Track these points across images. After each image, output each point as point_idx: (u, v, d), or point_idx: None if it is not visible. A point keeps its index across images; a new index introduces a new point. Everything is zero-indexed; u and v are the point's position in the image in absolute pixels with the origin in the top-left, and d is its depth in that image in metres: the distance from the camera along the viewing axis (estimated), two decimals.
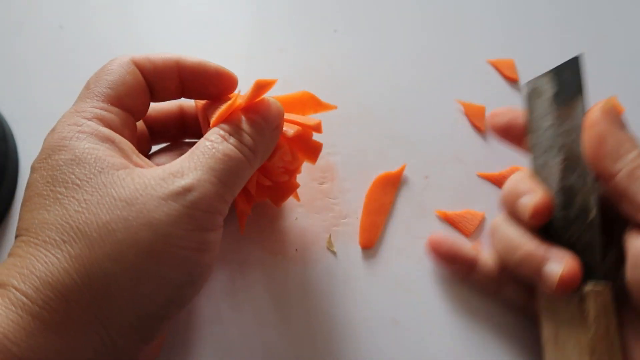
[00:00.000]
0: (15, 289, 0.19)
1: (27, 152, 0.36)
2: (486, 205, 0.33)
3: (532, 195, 0.25)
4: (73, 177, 0.21)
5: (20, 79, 0.38)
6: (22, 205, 0.21)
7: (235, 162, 0.22)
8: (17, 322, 0.18)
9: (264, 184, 0.28)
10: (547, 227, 0.26)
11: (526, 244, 0.25)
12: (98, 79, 0.23)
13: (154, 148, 0.31)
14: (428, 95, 0.37)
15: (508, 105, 0.30)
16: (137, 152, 0.23)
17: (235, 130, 0.23)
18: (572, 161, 0.25)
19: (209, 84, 0.25)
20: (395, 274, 0.32)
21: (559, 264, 0.24)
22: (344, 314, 0.30)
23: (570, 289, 0.24)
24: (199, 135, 0.28)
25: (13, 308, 0.18)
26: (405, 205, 0.34)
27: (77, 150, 0.21)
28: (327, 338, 0.30)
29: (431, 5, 0.41)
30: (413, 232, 0.33)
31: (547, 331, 0.26)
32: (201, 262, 0.21)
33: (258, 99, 0.24)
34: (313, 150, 0.28)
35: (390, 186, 0.34)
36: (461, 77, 0.38)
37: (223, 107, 0.23)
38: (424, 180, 0.35)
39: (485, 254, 0.29)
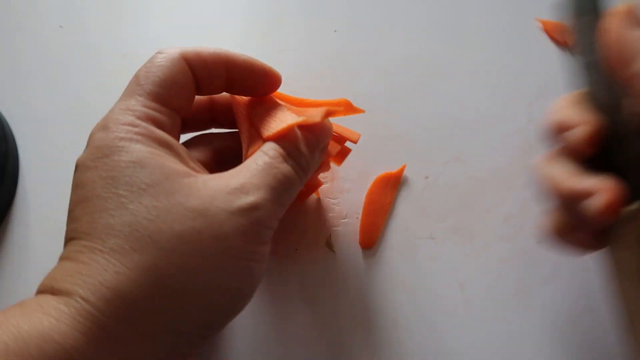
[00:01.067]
0: (84, 299, 0.18)
1: (27, 152, 0.36)
2: (489, 204, 0.33)
3: (583, 125, 0.23)
4: (138, 180, 0.20)
5: (20, 79, 0.38)
6: (76, 205, 0.21)
7: (291, 183, 0.23)
8: (85, 334, 0.18)
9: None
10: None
11: (566, 181, 0.23)
12: (148, 73, 0.23)
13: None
14: (428, 95, 0.37)
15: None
16: (191, 156, 0.23)
17: (294, 151, 0.23)
18: (610, 76, 0.22)
19: (255, 82, 0.25)
20: (395, 274, 0.32)
21: (599, 195, 0.22)
22: (343, 314, 0.30)
23: (613, 217, 0.22)
24: (227, 126, 0.29)
25: (81, 319, 0.18)
26: (405, 205, 0.34)
27: (138, 153, 0.21)
28: (327, 337, 0.30)
29: (431, 5, 0.41)
30: (413, 232, 0.33)
31: (611, 263, 0.24)
32: (259, 273, 0.22)
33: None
34: (342, 155, 0.30)
35: (390, 186, 0.34)
36: (460, 78, 0.38)
37: (284, 124, 0.23)
38: (424, 180, 0.35)
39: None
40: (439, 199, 0.34)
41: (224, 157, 0.28)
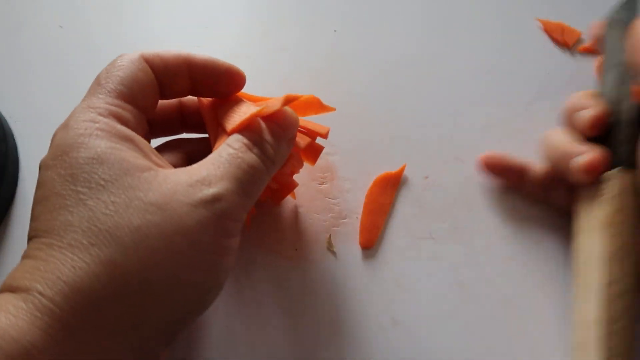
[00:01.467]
0: (41, 294, 0.18)
1: (27, 152, 0.36)
2: (484, 203, 0.33)
3: (591, 109, 0.27)
4: (96, 176, 0.20)
5: (20, 79, 0.38)
6: (36, 204, 0.20)
7: (258, 172, 0.22)
8: (44, 330, 0.17)
9: (272, 187, 0.29)
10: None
11: (565, 142, 0.28)
12: (109, 74, 0.23)
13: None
14: (428, 95, 0.37)
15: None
16: (155, 151, 0.23)
17: (258, 140, 0.23)
18: (625, 73, 0.28)
19: (219, 82, 0.25)
20: (395, 274, 0.31)
21: (585, 155, 0.27)
22: (343, 314, 0.30)
23: (593, 176, 0.27)
24: (198, 130, 0.29)
25: (39, 315, 0.18)
26: (405, 205, 0.33)
27: (98, 149, 0.20)
28: (327, 337, 0.30)
29: (431, 6, 0.41)
30: (413, 232, 0.33)
31: (578, 221, 0.28)
32: (225, 267, 0.21)
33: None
34: (314, 153, 0.29)
35: (390, 186, 0.34)
36: (460, 78, 0.38)
37: (246, 115, 0.23)
38: (424, 180, 0.34)
39: (534, 163, 0.31)
40: (439, 199, 0.34)
41: (196, 159, 0.27)
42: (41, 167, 0.21)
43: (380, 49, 0.39)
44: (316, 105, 0.28)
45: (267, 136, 0.23)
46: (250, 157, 0.22)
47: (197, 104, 0.28)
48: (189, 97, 0.27)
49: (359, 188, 0.33)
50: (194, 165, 0.22)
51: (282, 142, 0.24)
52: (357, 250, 0.32)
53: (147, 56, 0.24)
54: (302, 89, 0.37)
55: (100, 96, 0.22)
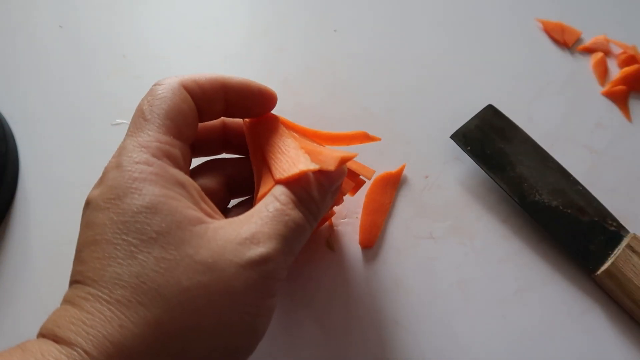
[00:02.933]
0: (86, 352, 0.17)
1: (27, 152, 0.35)
2: (484, 203, 0.33)
3: None
4: (149, 228, 0.19)
5: (20, 79, 0.38)
6: (85, 246, 0.20)
7: (303, 230, 0.22)
8: None
9: None
10: None
11: None
12: (153, 106, 0.22)
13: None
14: (428, 95, 0.37)
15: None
16: (204, 196, 0.22)
17: (305, 197, 0.22)
18: None
19: (252, 104, 0.25)
20: (395, 274, 0.31)
21: None
22: (344, 313, 0.30)
23: None
24: (239, 151, 0.28)
25: None
26: (405, 205, 0.33)
27: (152, 197, 0.19)
28: (326, 337, 0.29)
29: (432, 7, 0.40)
30: (413, 232, 0.33)
31: None
32: (263, 329, 0.21)
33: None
34: (356, 187, 0.29)
35: (390, 186, 0.33)
36: (460, 77, 0.38)
37: (296, 168, 0.22)
38: (424, 180, 0.34)
39: None
40: (439, 198, 0.33)
41: (236, 182, 0.27)
42: (90, 205, 0.20)
43: (381, 49, 0.39)
44: (362, 137, 0.28)
45: (315, 192, 0.22)
46: (297, 214, 0.22)
47: (240, 125, 0.27)
48: (233, 119, 0.27)
49: (361, 189, 0.32)
50: (242, 217, 0.21)
51: (328, 195, 0.23)
52: (357, 249, 0.32)
53: (186, 83, 0.23)
54: (303, 88, 0.37)
55: (150, 133, 0.21)
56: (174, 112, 0.22)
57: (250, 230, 0.20)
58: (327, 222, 0.32)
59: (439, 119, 0.36)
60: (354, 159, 0.26)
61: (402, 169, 0.34)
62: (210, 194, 0.25)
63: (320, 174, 0.23)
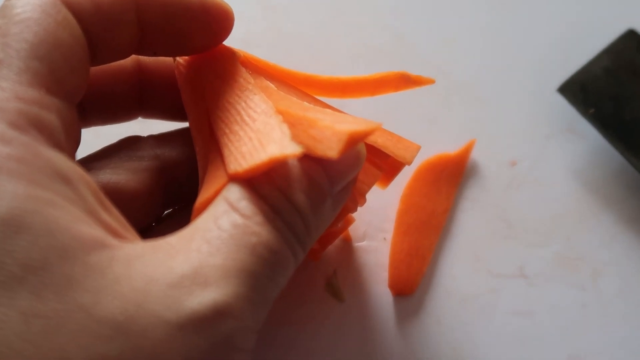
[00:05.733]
0: None
1: None
2: (621, 213, 0.28)
3: None
4: (9, 260, 0.15)
5: None
6: None
7: (281, 261, 0.17)
8: None
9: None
10: None
11: None
12: (6, 36, 0.18)
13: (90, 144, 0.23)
14: (512, 12, 0.32)
15: None
16: (104, 199, 0.18)
17: (283, 204, 0.18)
18: None
19: (189, 28, 0.20)
20: (454, 344, 0.25)
21: None
22: None
23: None
24: (172, 114, 0.24)
25: None
26: (474, 216, 0.27)
27: (11, 202, 0.15)
28: None
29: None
30: (488, 266, 0.26)
31: None
32: None
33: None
34: (388, 174, 0.24)
35: (448, 180, 0.27)
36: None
37: (264, 157, 0.17)
38: (510, 170, 0.28)
39: None
40: (537, 203, 0.28)
41: (173, 177, 0.23)
42: None
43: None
44: (397, 82, 0.23)
45: (300, 197, 0.18)
46: (270, 234, 0.17)
47: (167, 67, 0.24)
48: (154, 56, 0.23)
49: (390, 184, 0.26)
50: (174, 240, 0.17)
51: (327, 202, 0.19)
52: (385, 298, 0.26)
53: None
54: (290, 7, 0.33)
55: (4, 84, 0.17)
56: (46, 47, 0.18)
57: (191, 262, 0.16)
58: (334, 239, 0.27)
59: (534, 59, 0.31)
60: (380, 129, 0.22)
61: (468, 150, 0.28)
62: (125, 199, 0.22)
63: (313, 162, 0.18)
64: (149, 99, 0.24)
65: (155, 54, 0.22)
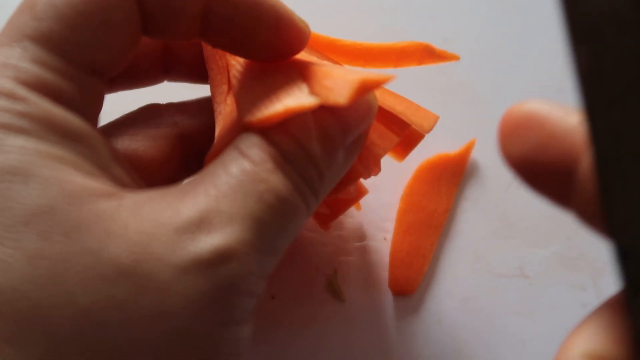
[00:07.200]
0: None
1: None
2: None
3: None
4: (17, 204, 0.15)
5: None
6: None
7: (291, 210, 0.17)
8: None
9: (318, 211, 0.25)
10: None
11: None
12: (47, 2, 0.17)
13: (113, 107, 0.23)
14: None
15: None
16: (117, 157, 0.18)
17: (297, 152, 0.18)
18: None
19: (260, 37, 0.19)
20: (453, 344, 0.25)
21: None
22: None
23: None
24: (194, 74, 0.24)
25: None
26: (474, 216, 0.27)
27: (17, 155, 0.16)
28: None
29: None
30: (489, 266, 0.26)
31: None
32: None
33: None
34: (405, 145, 0.24)
35: (448, 179, 0.27)
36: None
37: (280, 107, 0.18)
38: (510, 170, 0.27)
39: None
40: (538, 202, 0.27)
41: (195, 149, 0.23)
42: None
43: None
44: (421, 54, 0.23)
45: (315, 145, 0.18)
46: (281, 181, 0.17)
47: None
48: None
49: (389, 182, 0.27)
50: (183, 186, 0.17)
51: (339, 153, 0.19)
52: (385, 298, 0.26)
53: None
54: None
55: (29, 45, 0.17)
56: (86, 17, 0.17)
57: (197, 206, 0.16)
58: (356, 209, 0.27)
59: (535, 59, 0.30)
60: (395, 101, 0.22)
61: (468, 150, 0.28)
62: (144, 166, 0.21)
63: (326, 112, 0.18)
64: (174, 61, 0.23)
65: (213, 45, 0.21)
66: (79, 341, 0.15)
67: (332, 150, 0.19)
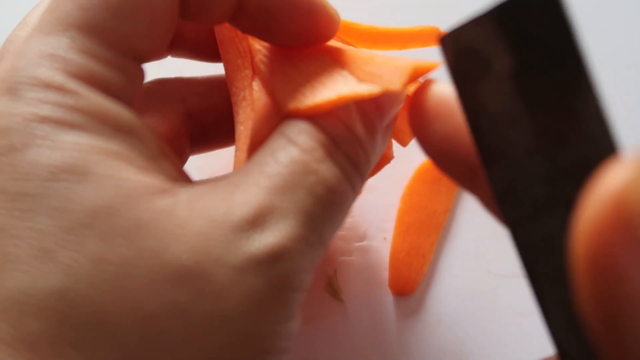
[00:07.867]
0: None
1: None
2: None
3: None
4: (75, 205, 0.15)
5: None
6: None
7: (341, 201, 0.17)
8: None
9: None
10: None
11: None
12: None
13: None
14: None
15: None
16: (162, 146, 0.18)
17: (346, 134, 0.17)
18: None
19: (291, 23, 0.19)
20: (455, 341, 0.25)
21: None
22: None
23: None
24: (200, 50, 0.23)
25: None
26: (474, 215, 0.27)
27: (73, 152, 0.15)
28: None
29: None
30: (488, 266, 0.26)
31: None
32: None
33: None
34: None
35: (447, 180, 0.26)
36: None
37: (333, 95, 0.17)
38: None
39: None
40: None
41: (201, 126, 0.23)
42: None
43: None
44: (427, 37, 0.23)
45: (360, 128, 0.18)
46: (332, 172, 0.17)
47: None
48: None
49: (389, 183, 0.27)
50: (232, 177, 0.17)
51: (378, 134, 0.19)
52: (385, 298, 0.26)
53: None
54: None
55: (76, 35, 0.16)
56: (134, 8, 0.17)
57: (251, 202, 0.16)
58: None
59: None
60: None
61: None
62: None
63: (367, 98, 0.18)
64: (178, 37, 0.23)
65: (242, 30, 0.21)
66: (145, 348, 0.15)
67: (373, 132, 0.19)
